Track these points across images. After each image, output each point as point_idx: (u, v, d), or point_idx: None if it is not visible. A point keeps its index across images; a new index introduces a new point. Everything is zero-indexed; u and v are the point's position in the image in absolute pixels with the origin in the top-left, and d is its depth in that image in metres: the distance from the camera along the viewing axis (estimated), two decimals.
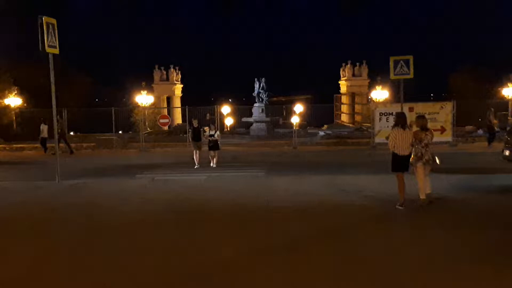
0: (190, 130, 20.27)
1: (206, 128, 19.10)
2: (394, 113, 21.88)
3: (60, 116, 25.90)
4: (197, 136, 19.13)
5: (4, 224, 9.84)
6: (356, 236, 8.20)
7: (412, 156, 10.46)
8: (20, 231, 9.15)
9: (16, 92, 37.07)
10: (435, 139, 23.99)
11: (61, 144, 24.80)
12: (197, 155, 18.83)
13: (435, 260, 6.78)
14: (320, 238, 8.15)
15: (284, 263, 6.82)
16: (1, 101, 37.04)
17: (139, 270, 6.63)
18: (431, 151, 10.79)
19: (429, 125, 23.67)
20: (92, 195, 12.70)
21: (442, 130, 24.84)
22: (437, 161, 10.86)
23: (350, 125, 45.87)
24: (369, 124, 34.72)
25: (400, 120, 10.47)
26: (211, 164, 18.64)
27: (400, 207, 10.19)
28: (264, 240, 8.06)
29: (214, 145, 18.76)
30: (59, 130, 25.41)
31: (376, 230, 8.66)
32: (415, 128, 10.81)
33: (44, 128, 26.14)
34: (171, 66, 54.57)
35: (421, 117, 11.02)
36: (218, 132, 19.56)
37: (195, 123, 19.83)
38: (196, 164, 18.61)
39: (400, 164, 10.38)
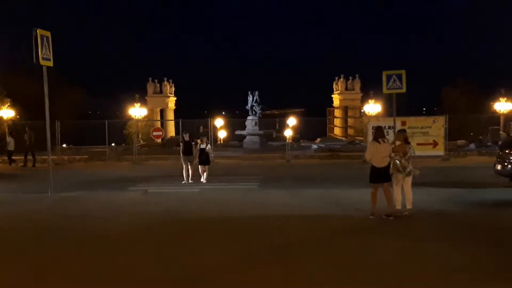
0: (181, 143, 18.83)
1: (199, 141, 18.18)
2: (386, 127, 22.16)
3: (29, 128, 26.14)
4: (188, 150, 18.02)
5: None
6: (343, 245, 8.22)
7: (391, 167, 10.73)
8: (15, 244, 9.11)
9: (8, 104, 36.94)
10: (427, 153, 24.42)
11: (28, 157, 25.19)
12: (188, 170, 17.86)
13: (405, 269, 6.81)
14: (313, 249, 8.17)
15: (277, 267, 6.84)
16: None
17: (132, 279, 6.62)
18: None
19: (422, 139, 24.28)
20: (85, 208, 12.66)
21: (434, 144, 24.98)
22: (416, 172, 11.06)
23: (343, 138, 46.01)
24: (361, 138, 34.85)
25: (377, 134, 10.94)
26: (201, 180, 17.67)
27: (371, 217, 10.61)
28: (254, 249, 8.06)
29: (205, 160, 17.88)
30: (27, 143, 25.63)
31: (363, 241, 8.68)
32: (398, 142, 11.04)
33: (10, 140, 26.23)
34: (165, 79, 54.64)
35: (402, 131, 11.57)
36: (209, 146, 18.85)
37: (186, 137, 18.56)
38: (185, 179, 17.71)
39: (376, 175, 10.74)
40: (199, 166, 17.92)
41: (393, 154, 10.67)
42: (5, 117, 36.46)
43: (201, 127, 36.30)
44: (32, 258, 8.01)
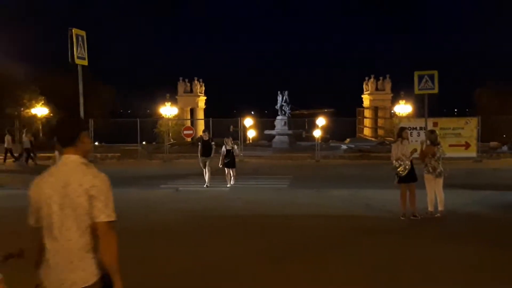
0: (199, 143, 17.24)
1: (228, 141, 16.82)
2: (417, 128, 21.98)
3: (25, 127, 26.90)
4: (207, 151, 16.49)
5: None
6: (369, 246, 8.21)
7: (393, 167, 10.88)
8: None
9: (43, 102, 37.71)
10: (459, 155, 24.15)
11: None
12: (208, 173, 16.37)
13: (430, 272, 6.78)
14: (339, 249, 8.19)
15: (301, 265, 6.90)
16: (28, 110, 37.72)
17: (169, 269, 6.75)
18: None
19: (454, 140, 24.00)
20: (117, 205, 12.87)
21: (467, 145, 24.68)
22: (446, 174, 11.07)
23: (373, 139, 45.69)
24: (392, 139, 34.57)
25: (398, 134, 11.21)
26: (227, 185, 16.42)
27: (402, 218, 10.64)
28: (281, 247, 8.12)
29: (231, 162, 16.66)
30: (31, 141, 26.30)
31: (391, 242, 8.66)
32: (427, 143, 11.06)
33: (8, 138, 26.81)
34: (195, 78, 55.05)
35: (431, 132, 11.41)
36: (236, 147, 17.47)
37: (205, 136, 16.95)
38: (207, 183, 16.27)
39: (403, 176, 10.80)
40: (225, 169, 16.67)
41: (400, 155, 10.73)
42: (39, 115, 37.26)
43: (231, 127, 36.46)
44: None
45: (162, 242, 8.88)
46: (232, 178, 16.71)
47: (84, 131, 3.41)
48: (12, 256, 3.49)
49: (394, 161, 10.87)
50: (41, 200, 3.18)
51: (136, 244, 8.26)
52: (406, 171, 10.70)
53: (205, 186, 16.18)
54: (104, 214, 3.17)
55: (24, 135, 27.05)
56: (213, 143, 16.73)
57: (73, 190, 3.11)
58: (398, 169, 10.76)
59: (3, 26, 38.89)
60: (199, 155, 16.76)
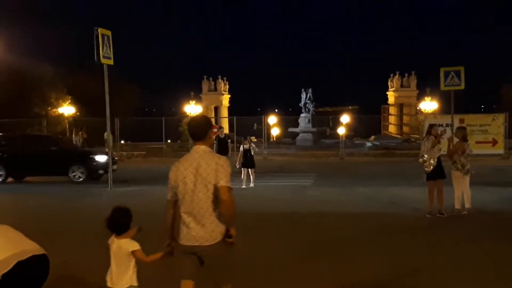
0: (214, 141, 16.18)
1: (252, 138, 16.67)
2: (444, 124, 21.76)
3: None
4: (223, 149, 15.93)
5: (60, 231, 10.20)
6: (394, 243, 8.16)
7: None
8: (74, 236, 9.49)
9: (69, 101, 38.24)
10: (486, 152, 23.87)
11: None
12: None
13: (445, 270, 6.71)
14: (363, 246, 8.15)
15: (327, 263, 6.89)
16: (56, 109, 38.28)
17: None
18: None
19: (481, 137, 23.73)
20: (144, 202, 13.01)
21: (494, 142, 24.37)
22: (473, 171, 10.97)
23: (398, 136, 45.30)
24: (417, 136, 34.29)
25: (427, 131, 11.10)
26: (243, 186, 15.55)
27: (428, 215, 10.57)
28: (306, 245, 8.11)
29: (249, 162, 15.96)
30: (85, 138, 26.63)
31: (417, 239, 8.59)
32: (456, 140, 10.95)
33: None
34: (219, 76, 55.21)
35: (462, 128, 11.22)
36: (254, 146, 16.53)
37: (221, 133, 16.31)
38: None
39: (430, 172, 10.69)
40: (242, 169, 15.93)
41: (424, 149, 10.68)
42: (66, 114, 37.78)
43: (255, 124, 36.56)
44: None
45: None
46: (251, 179, 15.93)
47: (210, 128, 4.49)
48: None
49: (420, 158, 10.81)
50: (178, 179, 4.34)
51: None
52: (432, 167, 10.59)
53: None
54: (224, 181, 4.18)
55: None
56: (229, 140, 16.25)
57: (203, 170, 4.22)
58: (424, 166, 10.69)
59: (31, 27, 39.47)
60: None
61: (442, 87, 17.19)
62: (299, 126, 37.78)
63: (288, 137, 41.18)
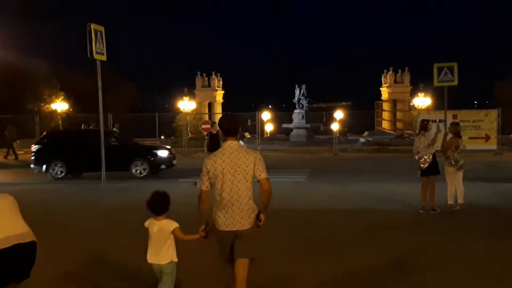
0: (206, 137, 15.71)
1: (246, 134, 15.86)
2: (437, 120, 21.79)
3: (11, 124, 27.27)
4: (214, 146, 14.72)
5: (54, 227, 10.18)
6: (386, 239, 8.19)
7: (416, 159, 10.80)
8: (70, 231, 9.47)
9: (63, 97, 38.10)
10: (479, 147, 23.91)
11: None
12: None
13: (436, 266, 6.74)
14: (357, 242, 8.18)
15: (330, 253, 6.92)
16: (49, 105, 38.14)
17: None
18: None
19: (473, 133, 23.78)
20: (137, 198, 12.99)
21: (487, 138, 24.42)
22: (466, 167, 10.95)
23: (391, 132, 45.40)
24: (410, 132, 34.37)
25: (420, 127, 11.05)
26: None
27: (421, 211, 10.64)
28: (299, 241, 8.13)
29: None
30: (8, 136, 26.65)
31: (408, 235, 8.62)
32: (450, 135, 10.95)
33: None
34: (213, 72, 55.11)
35: (455, 124, 11.19)
36: (242, 142, 15.08)
37: (213, 129, 15.74)
38: None
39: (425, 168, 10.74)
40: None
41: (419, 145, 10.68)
42: (59, 110, 37.65)
43: (249, 120, 36.54)
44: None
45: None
46: None
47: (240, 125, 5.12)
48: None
49: (415, 155, 10.82)
50: (217, 171, 4.78)
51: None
52: (427, 164, 10.62)
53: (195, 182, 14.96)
54: (264, 174, 4.87)
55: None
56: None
57: (242, 162, 4.78)
58: (420, 163, 10.71)
59: (24, 23, 39.22)
60: (205, 149, 15.86)
61: (436, 83, 17.23)
62: (293, 122, 37.76)
63: (282, 133, 41.13)
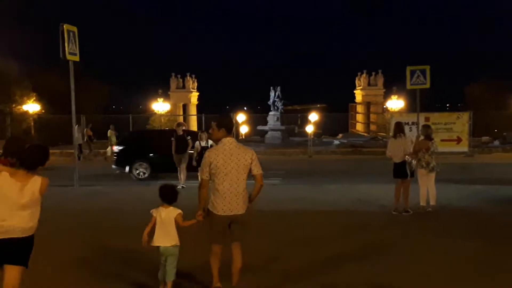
0: (172, 139, 15.33)
1: (203, 135, 14.80)
2: (410, 123, 22.02)
3: None
4: (181, 147, 14.99)
5: None
6: (357, 240, 8.25)
7: (408, 162, 10.73)
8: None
9: (34, 98, 37.47)
10: (451, 149, 24.24)
11: None
12: (183, 171, 15.06)
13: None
14: (332, 243, 8.21)
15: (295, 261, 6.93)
16: (20, 107, 37.45)
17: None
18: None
19: (445, 135, 24.11)
20: (109, 200, 12.88)
21: (458, 140, 24.79)
22: (438, 169, 11.07)
23: (365, 134, 45.73)
24: (384, 134, 34.69)
25: (396, 129, 11.07)
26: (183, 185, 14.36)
27: (394, 212, 10.71)
28: (275, 244, 8.13)
29: None
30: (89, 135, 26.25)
31: (380, 236, 8.70)
32: (421, 137, 11.08)
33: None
34: (188, 74, 54.82)
35: (426, 127, 11.36)
36: (211, 142, 14.21)
37: (179, 130, 15.32)
38: (182, 183, 14.64)
39: (397, 171, 10.83)
40: (199, 168, 14.28)
41: (408, 152, 10.68)
42: (30, 111, 37.04)
43: None
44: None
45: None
46: None
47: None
48: None
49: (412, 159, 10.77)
50: (218, 163, 5.48)
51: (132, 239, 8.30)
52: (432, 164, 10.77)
53: (179, 187, 13.90)
54: (259, 170, 5.65)
55: (76, 132, 26.83)
56: (189, 138, 15.25)
57: (242, 158, 5.56)
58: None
59: None
60: (173, 151, 15.24)
61: (408, 86, 17.39)
62: (268, 124, 37.79)
63: (257, 135, 41.14)
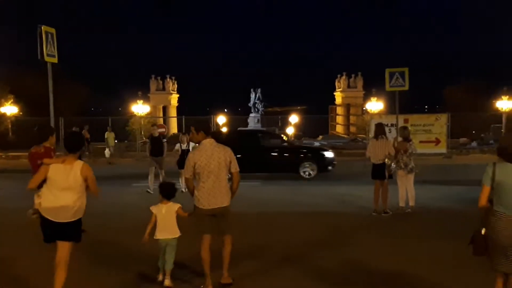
0: (147, 140, 14.82)
1: (184, 137, 14.40)
2: (389, 124, 22.19)
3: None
4: (156, 150, 14.24)
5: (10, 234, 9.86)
6: (339, 242, 8.28)
7: (388, 164, 10.78)
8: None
9: (12, 100, 37.06)
10: (429, 151, 24.49)
11: None
12: (153, 175, 14.29)
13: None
14: (312, 245, 8.23)
15: (276, 263, 6.94)
16: None
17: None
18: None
19: (424, 136, 24.37)
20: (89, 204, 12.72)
21: (437, 141, 25.06)
22: (417, 170, 11.19)
23: (345, 136, 46.08)
24: (364, 135, 34.94)
25: (376, 131, 11.13)
26: (182, 189, 12.06)
27: (374, 214, 10.77)
28: (255, 246, 8.13)
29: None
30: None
31: (361, 238, 8.74)
32: (399, 139, 11.18)
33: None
34: (167, 76, 54.64)
35: (404, 128, 11.45)
36: (193, 145, 12.91)
37: (155, 132, 14.86)
38: (150, 189, 14.00)
39: (376, 172, 10.90)
40: (180, 170, 13.74)
41: (387, 153, 10.73)
42: (8, 114, 36.63)
43: None
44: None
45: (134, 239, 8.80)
46: None
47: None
48: None
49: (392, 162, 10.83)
50: (202, 162, 5.99)
51: (119, 241, 8.23)
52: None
53: (147, 190, 14.10)
54: (236, 167, 6.19)
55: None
56: (164, 140, 14.77)
57: (223, 157, 6.06)
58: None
59: None
60: (148, 154, 14.68)
61: (387, 88, 17.45)
62: (248, 126, 37.87)
63: None
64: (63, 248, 5.38)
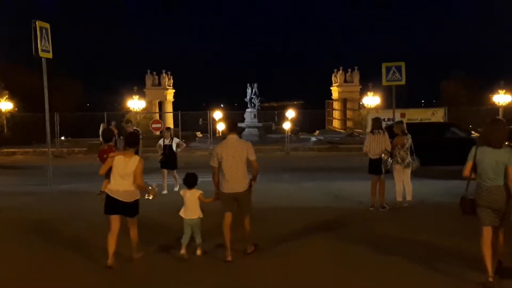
0: (121, 137, 14.31)
1: (167, 133, 13.77)
2: (385, 119, 22.17)
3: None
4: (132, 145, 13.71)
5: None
6: (336, 237, 8.24)
7: (384, 159, 10.70)
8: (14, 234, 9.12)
9: (7, 96, 36.84)
10: None
11: None
12: None
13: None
14: (308, 240, 8.19)
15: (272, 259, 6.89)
16: None
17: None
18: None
19: None
20: (83, 200, 12.66)
21: None
22: (417, 163, 11.22)
23: (342, 130, 45.94)
24: (360, 130, 34.90)
25: (374, 125, 11.12)
26: (163, 191, 12.79)
27: (371, 208, 10.73)
28: (259, 237, 8.08)
29: (170, 162, 13.33)
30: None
31: (358, 232, 8.70)
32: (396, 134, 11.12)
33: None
34: (163, 71, 54.37)
35: (399, 122, 11.45)
36: (178, 141, 13.71)
37: (129, 127, 14.50)
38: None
39: (373, 166, 10.81)
40: (161, 170, 13.56)
41: (383, 148, 10.66)
42: (3, 110, 36.42)
43: (201, 120, 36.31)
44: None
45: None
46: (176, 181, 13.25)
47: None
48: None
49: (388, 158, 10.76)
50: (223, 154, 7.21)
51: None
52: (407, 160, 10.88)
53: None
54: (253, 156, 7.36)
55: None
56: (140, 137, 14.24)
57: (240, 150, 7.26)
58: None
59: None
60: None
61: (384, 82, 17.51)
62: (245, 121, 37.70)
63: None
64: (130, 222, 7.11)
